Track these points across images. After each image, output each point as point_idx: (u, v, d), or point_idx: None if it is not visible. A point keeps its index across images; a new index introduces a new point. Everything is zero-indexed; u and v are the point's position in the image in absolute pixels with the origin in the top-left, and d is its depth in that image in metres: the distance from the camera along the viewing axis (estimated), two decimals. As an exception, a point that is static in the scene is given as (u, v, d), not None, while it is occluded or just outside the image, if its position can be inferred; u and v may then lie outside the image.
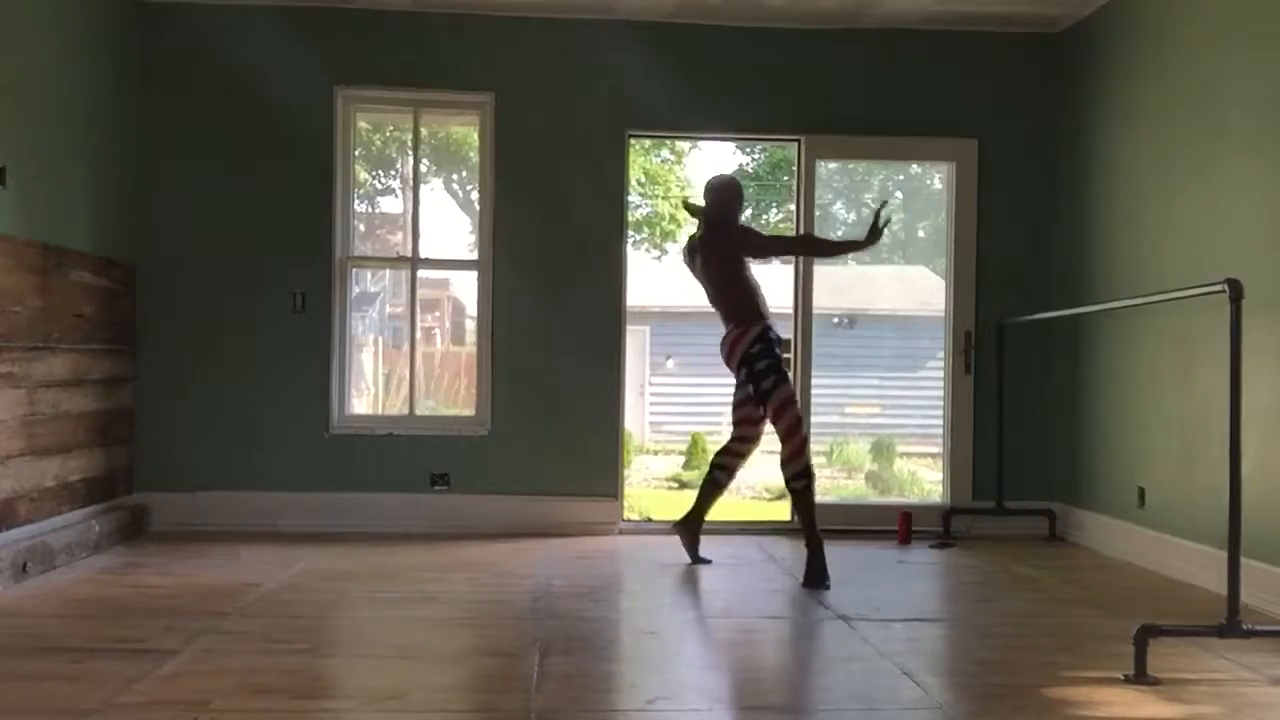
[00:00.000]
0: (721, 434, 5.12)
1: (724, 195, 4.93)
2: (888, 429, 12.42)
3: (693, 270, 4.97)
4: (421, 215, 6.22)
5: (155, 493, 5.55)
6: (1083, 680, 3.21)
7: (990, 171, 5.92)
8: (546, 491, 5.71)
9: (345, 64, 5.72)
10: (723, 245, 4.83)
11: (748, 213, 21.05)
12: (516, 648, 3.48)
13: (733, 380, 4.89)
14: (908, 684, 3.16)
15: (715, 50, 5.82)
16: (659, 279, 15.98)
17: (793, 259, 5.91)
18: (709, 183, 5.00)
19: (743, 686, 3.30)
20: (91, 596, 4.12)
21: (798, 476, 4.64)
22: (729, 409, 4.96)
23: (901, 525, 5.64)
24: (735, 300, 4.80)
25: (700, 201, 4.99)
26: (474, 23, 5.71)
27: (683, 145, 17.44)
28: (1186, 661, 3.38)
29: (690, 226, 6.50)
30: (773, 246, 5.43)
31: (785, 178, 16.60)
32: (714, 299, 4.87)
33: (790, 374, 4.92)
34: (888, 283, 15.04)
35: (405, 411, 6.03)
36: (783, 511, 6.60)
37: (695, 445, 11.75)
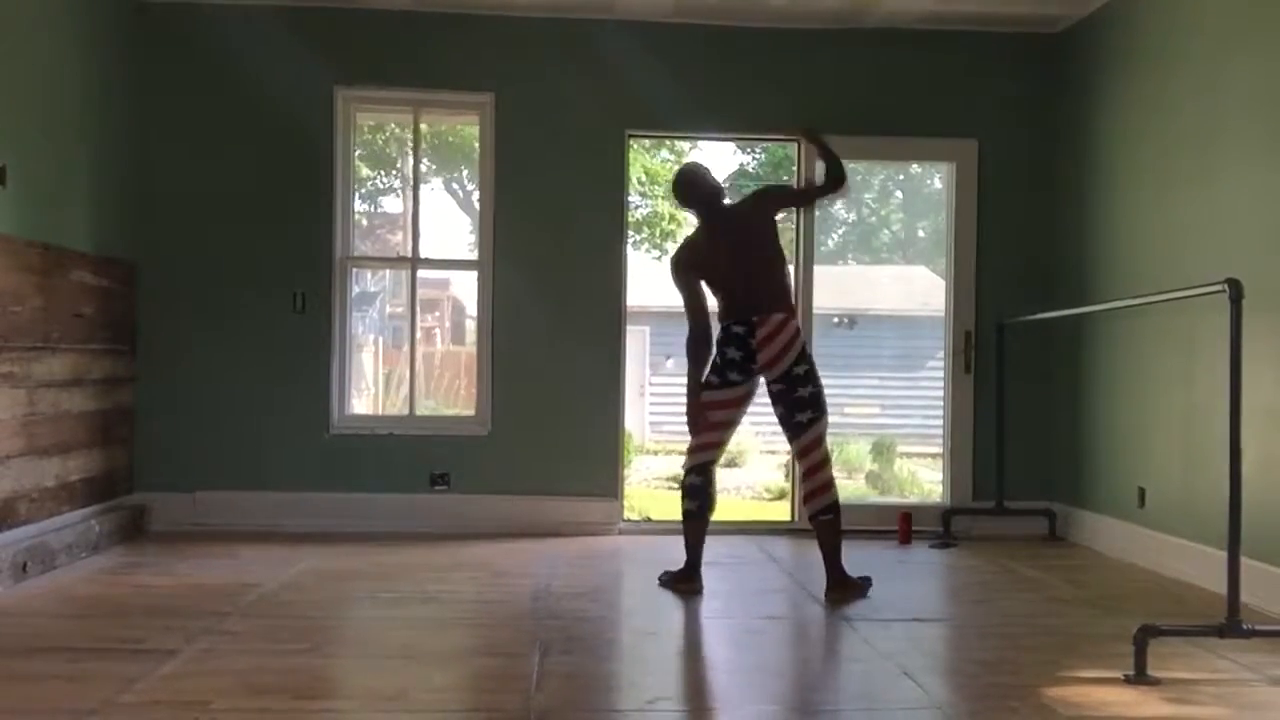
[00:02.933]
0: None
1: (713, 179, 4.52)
2: (888, 429, 12.42)
3: (716, 253, 4.35)
4: (421, 215, 6.22)
5: (155, 493, 5.55)
6: (1083, 680, 3.21)
7: (990, 171, 5.92)
8: (546, 491, 5.71)
9: (345, 64, 5.72)
10: (767, 208, 4.40)
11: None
12: (516, 648, 3.48)
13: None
14: (908, 684, 3.15)
15: (715, 50, 5.82)
16: (659, 279, 15.98)
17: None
18: (700, 170, 4.52)
19: (742, 686, 3.30)
20: (91, 596, 4.12)
21: (831, 507, 4.26)
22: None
23: (901, 525, 5.64)
24: (783, 279, 4.32)
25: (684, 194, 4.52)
26: (474, 23, 5.71)
27: (683, 145, 17.44)
28: (1187, 661, 3.38)
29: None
30: (810, 191, 4.75)
31: (785, 178, 16.60)
32: (758, 277, 4.27)
33: None
34: (888, 283, 15.04)
35: (405, 411, 6.04)
36: (782, 511, 6.60)
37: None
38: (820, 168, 4.51)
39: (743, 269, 4.30)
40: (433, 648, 3.55)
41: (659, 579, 4.50)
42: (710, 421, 4.34)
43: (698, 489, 4.38)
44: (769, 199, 4.57)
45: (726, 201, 4.54)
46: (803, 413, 4.24)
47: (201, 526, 5.48)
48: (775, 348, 4.22)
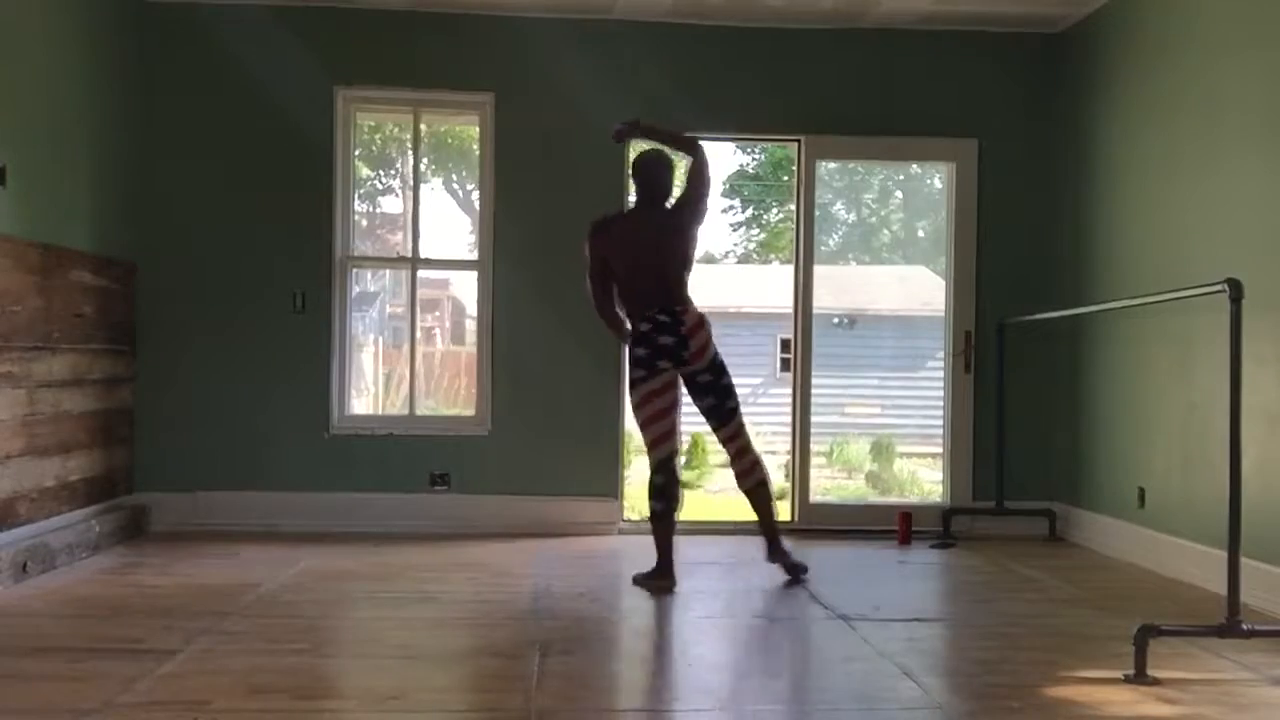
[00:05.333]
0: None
1: (671, 170, 4.69)
2: (888, 429, 12.41)
3: (636, 238, 4.53)
4: (421, 215, 6.22)
5: (155, 493, 5.55)
6: (1083, 680, 3.21)
7: (990, 171, 5.92)
8: (546, 491, 5.71)
9: (345, 64, 5.72)
10: (692, 215, 4.60)
11: (749, 212, 20.85)
12: (516, 648, 3.48)
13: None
14: (908, 684, 3.16)
15: (715, 50, 5.82)
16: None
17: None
18: (659, 156, 4.68)
19: (742, 686, 3.30)
20: (91, 596, 4.12)
21: (765, 479, 4.65)
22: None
23: (901, 525, 5.64)
24: (685, 281, 4.54)
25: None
26: (474, 23, 5.71)
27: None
28: (1186, 661, 3.38)
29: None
30: (703, 196, 4.70)
31: (785, 178, 16.59)
32: (670, 273, 4.48)
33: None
34: (888, 283, 15.04)
35: (405, 411, 6.04)
36: (781, 511, 6.59)
37: (695, 445, 11.75)
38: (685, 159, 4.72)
39: (661, 261, 4.49)
40: (432, 648, 3.55)
41: (633, 579, 4.51)
42: (655, 411, 4.44)
43: (663, 488, 4.46)
44: (688, 208, 4.64)
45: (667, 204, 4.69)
46: (730, 399, 4.53)
47: (201, 526, 5.48)
48: (702, 339, 4.44)
